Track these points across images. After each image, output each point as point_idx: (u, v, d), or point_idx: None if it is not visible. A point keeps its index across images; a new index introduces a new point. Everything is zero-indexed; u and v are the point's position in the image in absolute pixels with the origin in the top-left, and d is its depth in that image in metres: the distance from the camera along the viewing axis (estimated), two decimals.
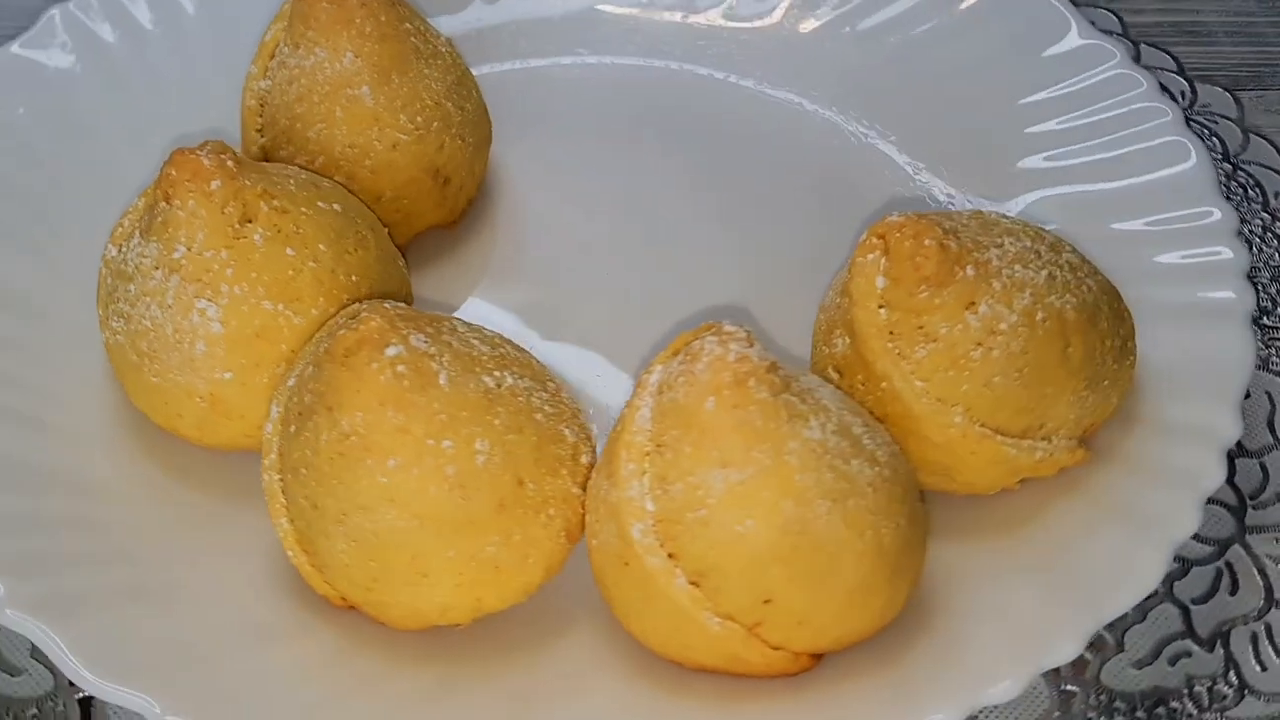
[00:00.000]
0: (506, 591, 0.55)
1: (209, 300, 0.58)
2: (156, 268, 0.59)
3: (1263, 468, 0.66)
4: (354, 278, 0.61)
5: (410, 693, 0.55)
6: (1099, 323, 0.59)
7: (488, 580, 0.55)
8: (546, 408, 0.56)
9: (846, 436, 0.53)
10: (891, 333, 0.57)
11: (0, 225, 0.69)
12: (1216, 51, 0.85)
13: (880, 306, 0.58)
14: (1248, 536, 0.63)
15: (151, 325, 0.59)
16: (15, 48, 0.74)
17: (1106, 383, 0.59)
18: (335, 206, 0.62)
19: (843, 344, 0.59)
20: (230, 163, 0.59)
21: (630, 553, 0.53)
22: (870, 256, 0.58)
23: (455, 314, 0.69)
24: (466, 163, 0.71)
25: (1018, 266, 0.58)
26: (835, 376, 0.59)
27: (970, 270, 0.57)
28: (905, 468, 0.55)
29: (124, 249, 0.61)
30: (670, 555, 0.53)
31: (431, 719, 0.54)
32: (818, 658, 0.54)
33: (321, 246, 0.60)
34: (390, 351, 0.53)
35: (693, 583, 0.53)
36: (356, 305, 0.57)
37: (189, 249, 0.59)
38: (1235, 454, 0.66)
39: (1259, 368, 0.69)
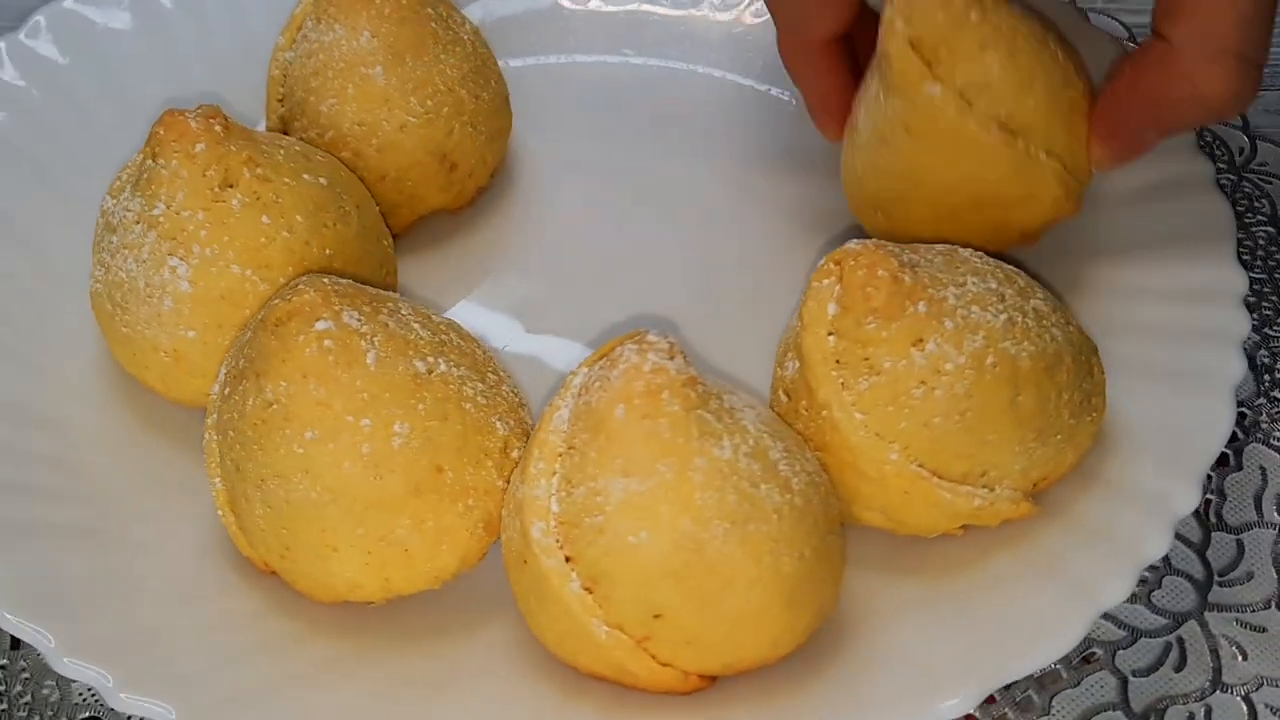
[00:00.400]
0: (416, 576, 0.56)
1: (180, 259, 0.60)
2: (137, 222, 0.61)
3: (1239, 545, 0.63)
4: (328, 251, 0.62)
5: (319, 661, 0.56)
6: (1057, 374, 0.57)
7: (397, 562, 0.55)
8: (479, 399, 0.56)
9: (760, 460, 0.52)
10: (838, 361, 0.57)
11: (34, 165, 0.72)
12: None
13: (830, 334, 0.57)
14: (1207, 614, 0.61)
15: (126, 277, 0.61)
16: (68, 2, 0.77)
17: (1060, 437, 0.57)
18: (321, 180, 0.63)
19: (793, 368, 0.58)
20: (218, 128, 0.61)
21: (529, 551, 0.53)
22: (825, 282, 0.57)
23: (455, 298, 0.70)
24: (477, 150, 0.71)
25: (975, 308, 0.56)
26: (784, 399, 0.58)
27: (922, 306, 0.55)
28: (823, 499, 0.54)
29: (117, 201, 0.63)
30: (568, 558, 0.53)
31: (336, 689, 0.55)
32: (711, 680, 0.54)
33: (298, 217, 0.62)
34: (319, 325, 0.54)
35: (586, 588, 0.52)
36: (301, 277, 0.58)
37: (168, 207, 0.60)
38: (1214, 527, 0.63)
39: (1260, 441, 0.66)
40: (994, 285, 0.57)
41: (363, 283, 0.61)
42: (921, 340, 0.55)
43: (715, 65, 0.81)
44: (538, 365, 0.67)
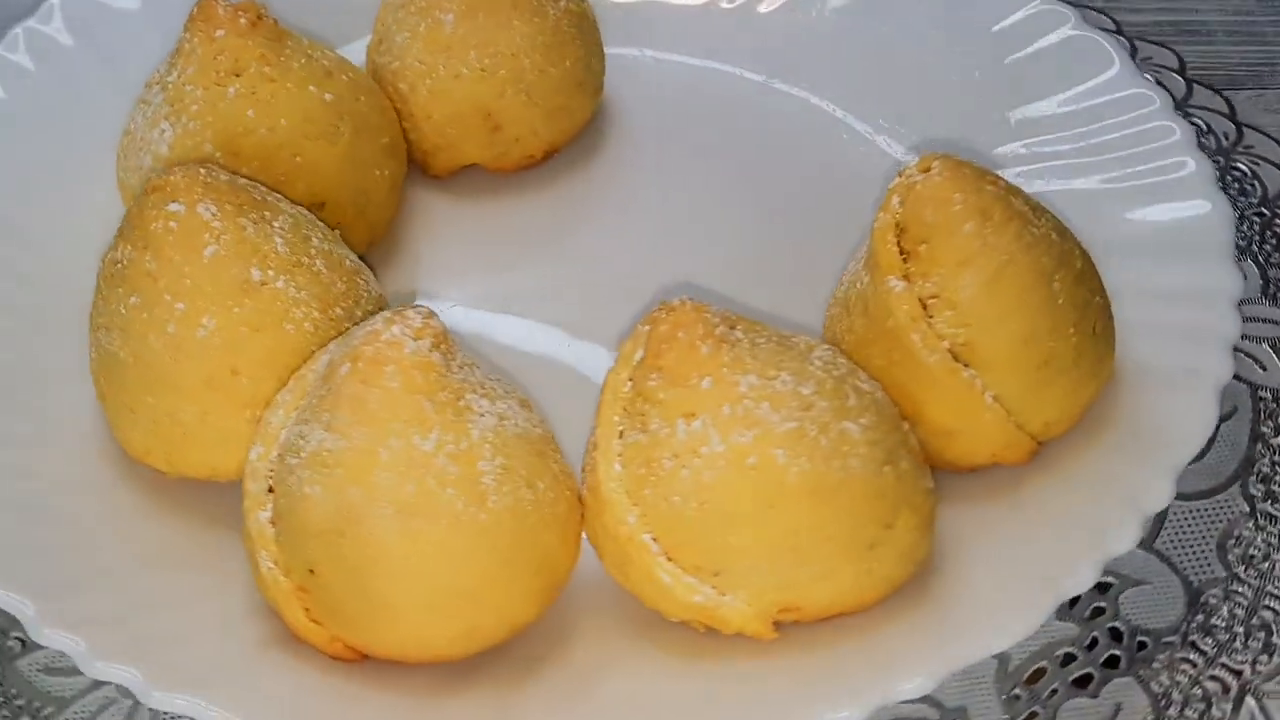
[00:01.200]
0: (195, 463, 0.59)
1: (170, 124, 0.66)
2: (156, 83, 0.67)
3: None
4: (297, 159, 0.66)
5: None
6: (831, 502, 0.53)
7: (176, 443, 0.59)
8: (306, 325, 0.58)
9: (461, 465, 0.52)
10: (624, 408, 0.55)
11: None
12: (1216, 51, 0.85)
13: (629, 379, 0.55)
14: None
15: (134, 128, 0.68)
16: None
17: (819, 569, 0.53)
18: (326, 96, 0.67)
19: None
20: (243, 20, 0.66)
21: (248, 471, 0.55)
22: (645, 327, 0.55)
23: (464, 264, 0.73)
24: (528, 119, 0.73)
25: (766, 405, 0.53)
26: None
27: (707, 382, 0.53)
28: (527, 528, 0.53)
29: (160, 70, 0.70)
30: (270, 489, 0.55)
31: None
32: (361, 656, 0.54)
33: (283, 121, 0.66)
34: (172, 206, 0.58)
35: (271, 522, 0.54)
36: (192, 162, 0.62)
37: (179, 77, 0.66)
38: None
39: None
40: (807, 392, 0.53)
41: (331, 203, 0.65)
42: (693, 414, 0.53)
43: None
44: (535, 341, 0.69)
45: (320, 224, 0.63)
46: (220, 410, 0.58)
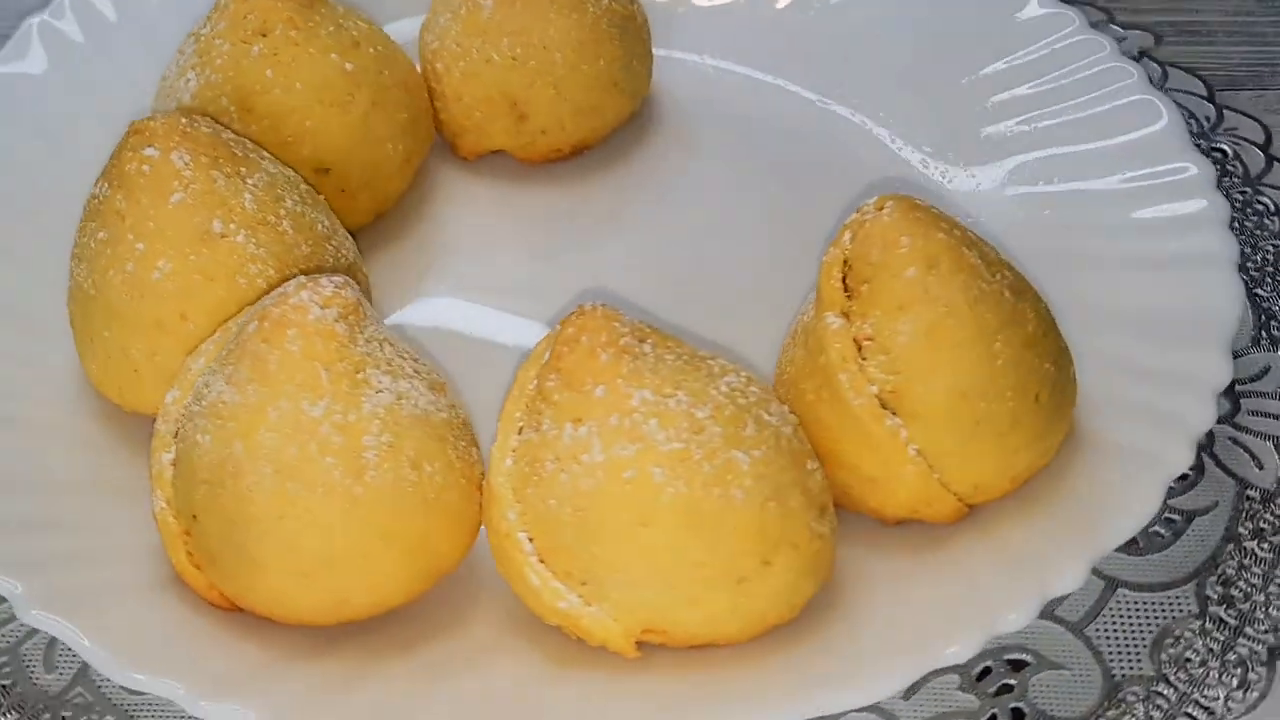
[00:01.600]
0: (140, 400, 0.61)
1: (195, 74, 0.68)
2: (192, 35, 0.70)
3: None
4: (307, 123, 0.68)
5: None
6: (703, 529, 0.52)
7: (127, 380, 0.61)
8: (259, 281, 0.60)
9: (345, 435, 0.53)
10: (527, 405, 0.55)
11: None
12: (1216, 51, 0.84)
13: (535, 378, 0.55)
14: None
15: (167, 75, 0.70)
16: None
17: (685, 595, 0.52)
18: (347, 65, 0.69)
19: None
20: None
21: (160, 416, 0.57)
22: (558, 328, 0.55)
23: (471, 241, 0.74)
24: (555, 113, 0.73)
25: (655, 422, 0.52)
26: None
27: (600, 391, 0.53)
28: (405, 507, 0.53)
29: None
30: (176, 433, 0.56)
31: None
32: (234, 607, 0.55)
33: (298, 84, 0.68)
34: (147, 151, 0.60)
35: (172, 463, 0.56)
36: (181, 111, 0.64)
37: (209, 31, 0.69)
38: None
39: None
40: (701, 415, 0.52)
41: (336, 169, 0.67)
42: (580, 420, 0.53)
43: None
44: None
45: (305, 188, 0.64)
46: (167, 351, 0.60)
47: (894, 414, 0.55)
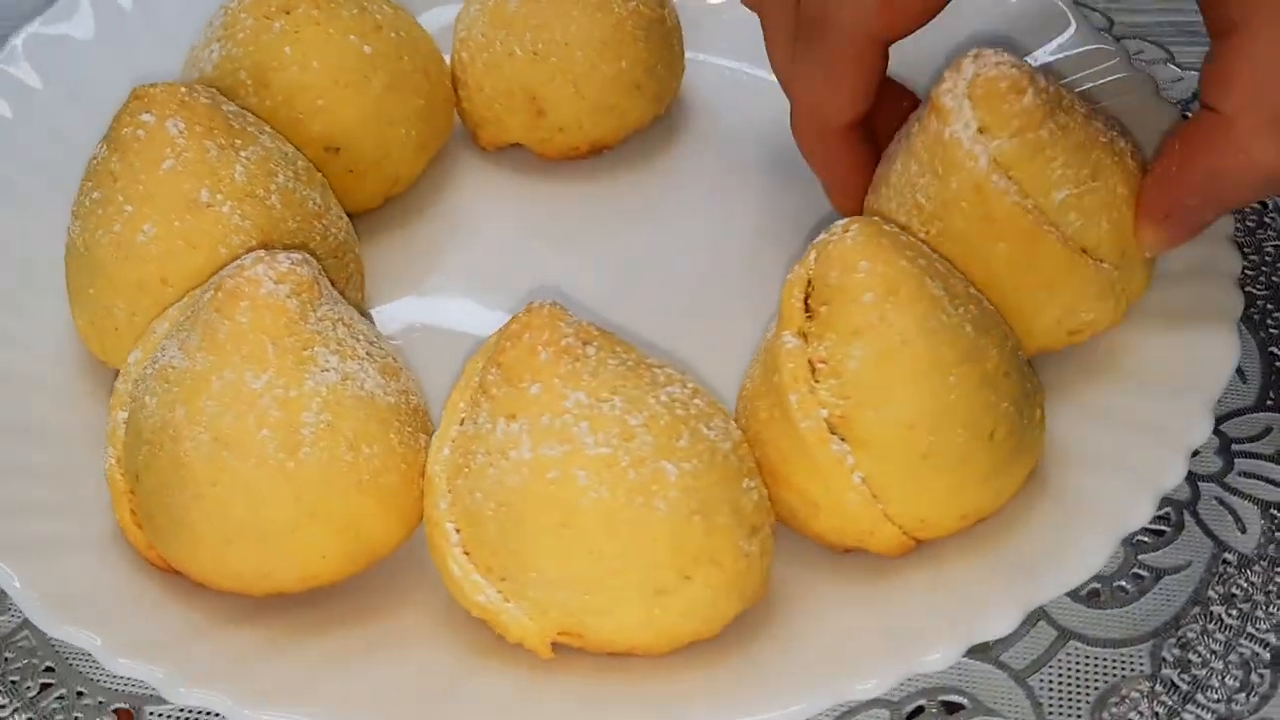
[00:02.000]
0: (116, 356, 0.62)
1: (219, 46, 0.70)
2: (222, 7, 0.71)
3: None
4: (320, 102, 0.69)
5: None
6: (622, 536, 0.51)
7: (109, 334, 0.62)
8: (241, 251, 0.60)
9: (284, 411, 0.53)
10: (471, 396, 0.56)
11: None
12: None
13: (484, 365, 0.56)
14: None
15: (196, 45, 0.72)
16: None
17: (601, 601, 0.52)
18: (365, 48, 0.70)
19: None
20: None
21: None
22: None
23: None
24: (574, 111, 0.73)
25: (586, 424, 0.52)
26: None
27: (536, 388, 0.52)
28: (339, 487, 0.54)
29: None
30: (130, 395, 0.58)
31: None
32: (172, 570, 0.56)
33: (315, 63, 0.69)
34: (144, 116, 0.61)
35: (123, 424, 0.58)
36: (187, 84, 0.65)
37: (235, 6, 0.70)
38: None
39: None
40: (634, 422, 0.52)
41: (346, 150, 0.69)
42: (514, 416, 0.53)
43: None
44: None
45: (303, 164, 0.65)
46: (146, 313, 0.61)
47: (842, 440, 0.54)
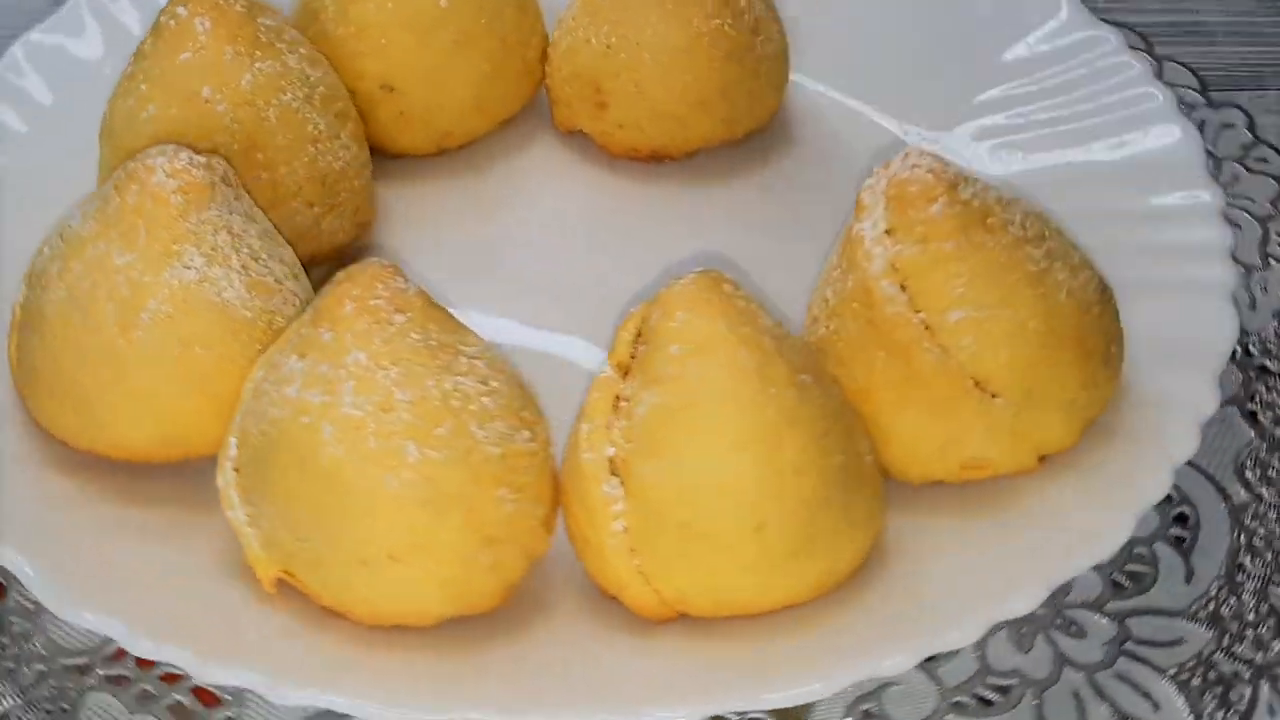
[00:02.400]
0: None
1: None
2: None
3: None
4: (383, 41, 0.72)
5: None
6: (343, 500, 0.52)
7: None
8: (222, 150, 0.65)
9: (132, 289, 0.57)
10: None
11: None
12: (1216, 51, 0.85)
13: None
14: None
15: None
16: None
17: (311, 550, 0.53)
18: (443, 2, 0.72)
19: None
20: None
21: None
22: None
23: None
24: (632, 111, 0.73)
25: (352, 384, 0.53)
26: None
27: (328, 336, 0.54)
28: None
29: None
30: None
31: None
32: None
33: (390, 4, 0.72)
34: (179, 10, 0.65)
35: None
36: None
37: None
38: None
39: None
40: (401, 397, 0.52)
41: (399, 89, 0.72)
42: (303, 356, 0.54)
43: None
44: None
45: (324, 91, 0.68)
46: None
47: (621, 483, 0.53)
